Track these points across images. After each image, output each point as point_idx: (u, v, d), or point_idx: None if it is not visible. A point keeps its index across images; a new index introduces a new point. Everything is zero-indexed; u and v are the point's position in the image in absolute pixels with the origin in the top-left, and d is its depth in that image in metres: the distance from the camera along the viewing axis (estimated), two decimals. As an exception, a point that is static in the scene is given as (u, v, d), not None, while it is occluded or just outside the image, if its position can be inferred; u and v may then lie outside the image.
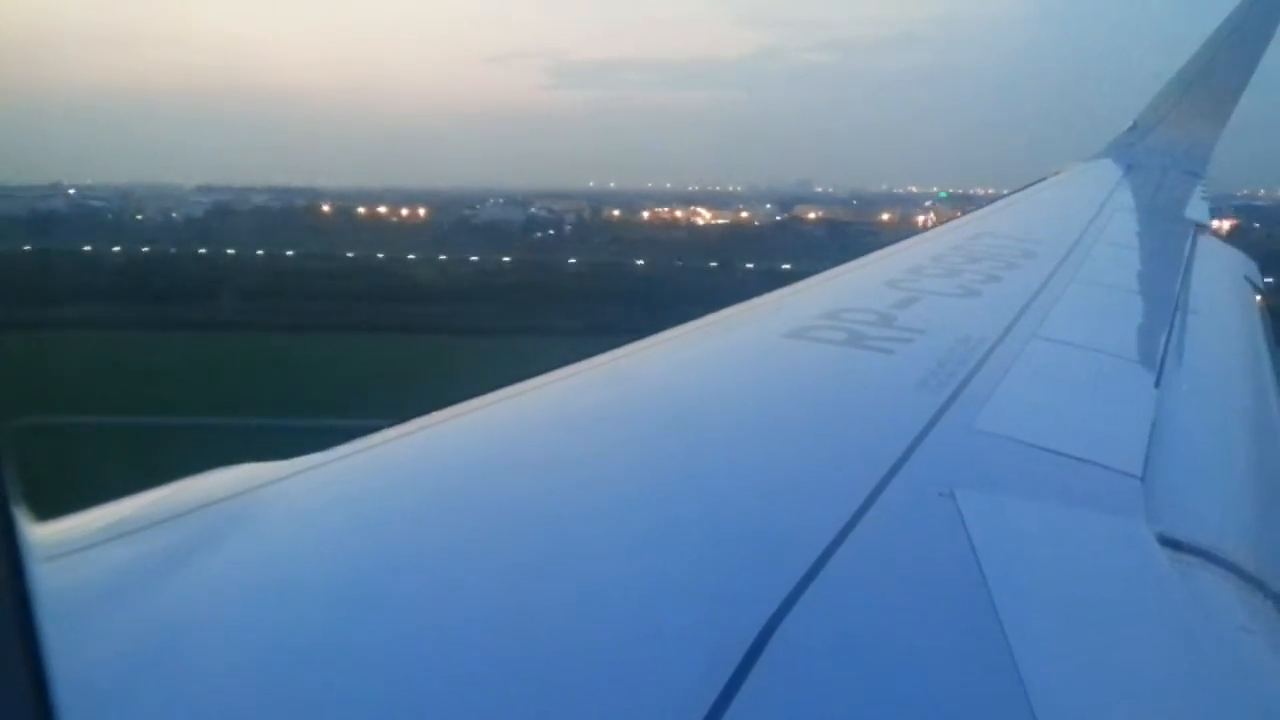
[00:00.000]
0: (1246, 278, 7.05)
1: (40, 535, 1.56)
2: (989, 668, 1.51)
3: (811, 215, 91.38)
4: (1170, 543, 2.13)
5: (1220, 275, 6.77)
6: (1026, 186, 8.99)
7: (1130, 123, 11.62)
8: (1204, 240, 7.64)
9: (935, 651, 1.57)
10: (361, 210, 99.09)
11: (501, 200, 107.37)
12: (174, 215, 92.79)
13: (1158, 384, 3.45)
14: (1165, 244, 7.09)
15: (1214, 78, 11.04)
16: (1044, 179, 9.57)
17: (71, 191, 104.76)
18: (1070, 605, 1.83)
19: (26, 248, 67.64)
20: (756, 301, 4.17)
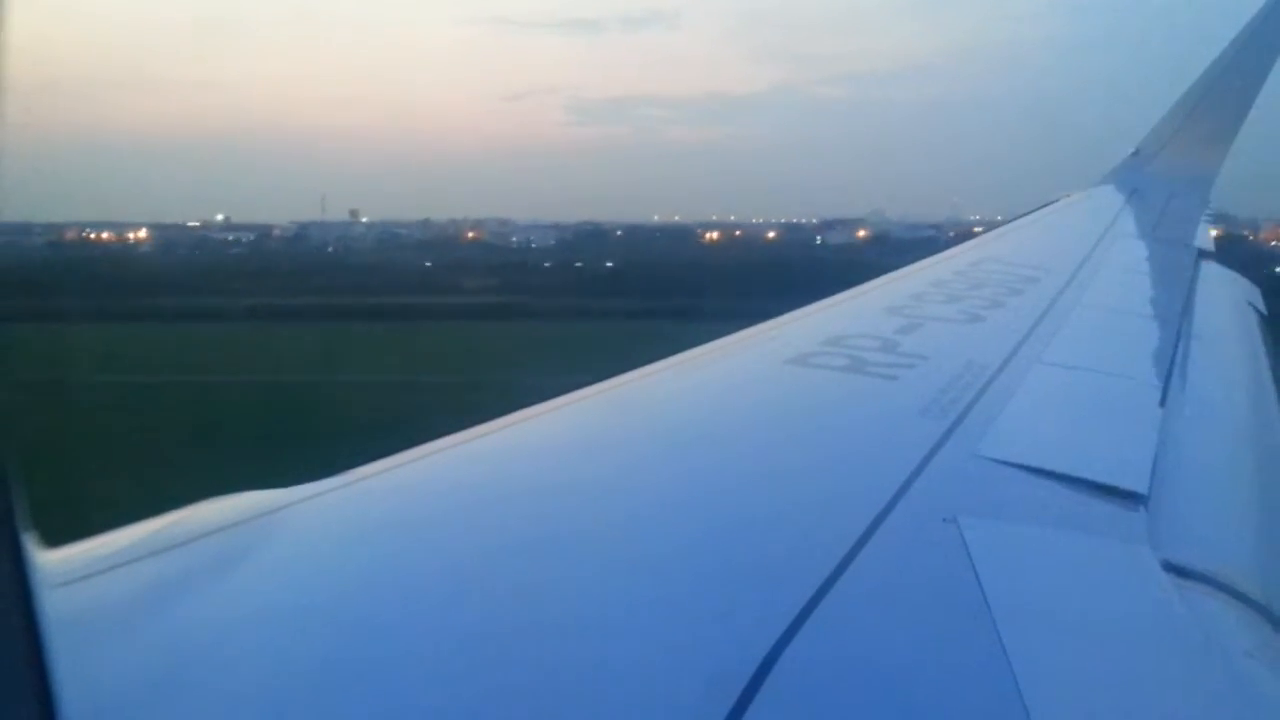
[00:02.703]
0: (1250, 303, 7.02)
1: (42, 562, 1.55)
2: (993, 694, 1.50)
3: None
4: (1174, 568, 2.12)
5: (1223, 300, 6.76)
6: (1029, 213, 8.97)
7: (1133, 149, 11.55)
8: (1206, 265, 7.63)
9: (939, 678, 1.56)
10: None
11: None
12: (513, 240, 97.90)
13: (1161, 409, 3.43)
14: (1168, 269, 7.08)
15: (1216, 105, 11.01)
16: (1046, 205, 9.54)
17: (365, 220, 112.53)
18: (1074, 632, 1.82)
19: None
20: (758, 328, 4.16)
